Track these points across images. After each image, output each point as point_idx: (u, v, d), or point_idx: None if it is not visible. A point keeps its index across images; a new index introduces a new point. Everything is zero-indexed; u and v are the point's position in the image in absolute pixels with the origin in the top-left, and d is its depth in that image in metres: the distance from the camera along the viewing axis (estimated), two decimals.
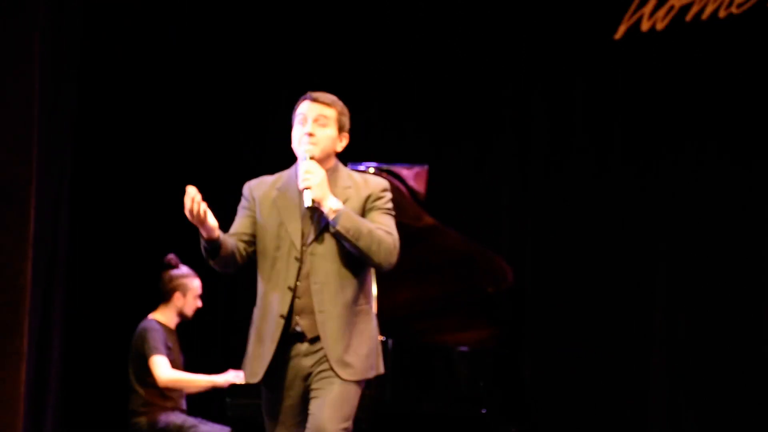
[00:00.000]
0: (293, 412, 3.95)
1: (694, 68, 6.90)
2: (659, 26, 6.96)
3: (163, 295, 6.17)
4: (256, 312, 3.99)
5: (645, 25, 6.99)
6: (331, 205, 3.84)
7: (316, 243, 3.90)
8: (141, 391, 6.03)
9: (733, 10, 6.83)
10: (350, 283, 3.91)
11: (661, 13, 6.97)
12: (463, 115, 7.28)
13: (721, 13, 6.85)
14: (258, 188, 4.03)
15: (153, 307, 6.19)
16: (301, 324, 3.90)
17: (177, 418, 6.03)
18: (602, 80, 7.06)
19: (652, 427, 6.82)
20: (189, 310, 6.19)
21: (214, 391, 6.01)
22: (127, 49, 7.34)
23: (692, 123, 6.91)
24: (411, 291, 5.91)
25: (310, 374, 3.90)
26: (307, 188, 3.84)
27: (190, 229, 7.18)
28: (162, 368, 5.96)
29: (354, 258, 3.88)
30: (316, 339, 3.90)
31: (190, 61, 7.39)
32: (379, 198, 3.96)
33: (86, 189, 6.97)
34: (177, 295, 6.15)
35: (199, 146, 7.37)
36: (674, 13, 6.95)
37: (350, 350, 3.88)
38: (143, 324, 6.10)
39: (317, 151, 3.90)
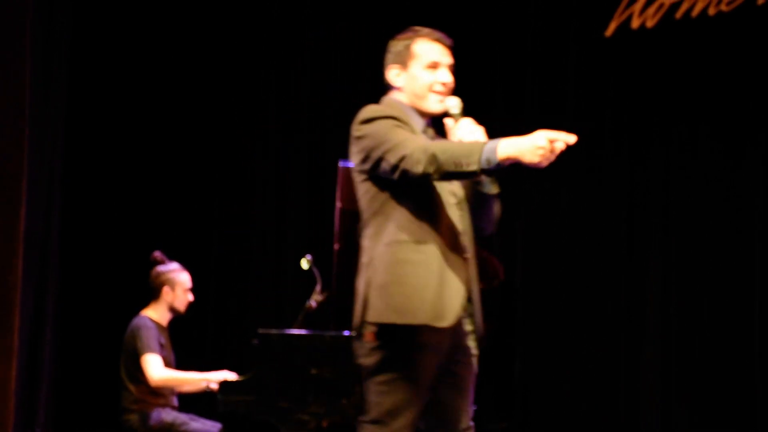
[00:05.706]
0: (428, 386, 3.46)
1: (684, 66, 6.93)
2: (649, 24, 6.98)
3: (152, 292, 6.17)
4: (423, 248, 3.46)
5: (635, 23, 7.01)
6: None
7: (463, 192, 3.70)
8: (132, 388, 6.02)
9: (723, 7, 6.84)
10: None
11: (651, 10, 6.98)
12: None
13: (711, 11, 6.87)
14: (411, 119, 3.71)
15: (146, 303, 6.19)
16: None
17: (168, 415, 6.03)
18: (592, 77, 7.08)
19: (643, 423, 6.83)
20: (180, 305, 6.19)
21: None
22: (118, 41, 7.33)
23: (682, 120, 6.93)
24: None
25: (455, 349, 3.50)
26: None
27: (181, 223, 7.22)
28: (154, 367, 5.96)
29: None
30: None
31: (189, 60, 7.38)
32: None
33: (78, 185, 6.97)
34: (166, 290, 6.15)
35: (193, 142, 7.36)
36: (664, 10, 6.97)
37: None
38: (136, 321, 6.10)
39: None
